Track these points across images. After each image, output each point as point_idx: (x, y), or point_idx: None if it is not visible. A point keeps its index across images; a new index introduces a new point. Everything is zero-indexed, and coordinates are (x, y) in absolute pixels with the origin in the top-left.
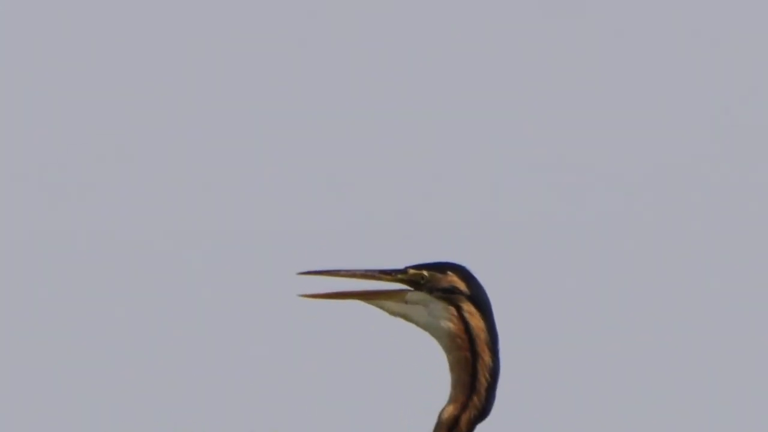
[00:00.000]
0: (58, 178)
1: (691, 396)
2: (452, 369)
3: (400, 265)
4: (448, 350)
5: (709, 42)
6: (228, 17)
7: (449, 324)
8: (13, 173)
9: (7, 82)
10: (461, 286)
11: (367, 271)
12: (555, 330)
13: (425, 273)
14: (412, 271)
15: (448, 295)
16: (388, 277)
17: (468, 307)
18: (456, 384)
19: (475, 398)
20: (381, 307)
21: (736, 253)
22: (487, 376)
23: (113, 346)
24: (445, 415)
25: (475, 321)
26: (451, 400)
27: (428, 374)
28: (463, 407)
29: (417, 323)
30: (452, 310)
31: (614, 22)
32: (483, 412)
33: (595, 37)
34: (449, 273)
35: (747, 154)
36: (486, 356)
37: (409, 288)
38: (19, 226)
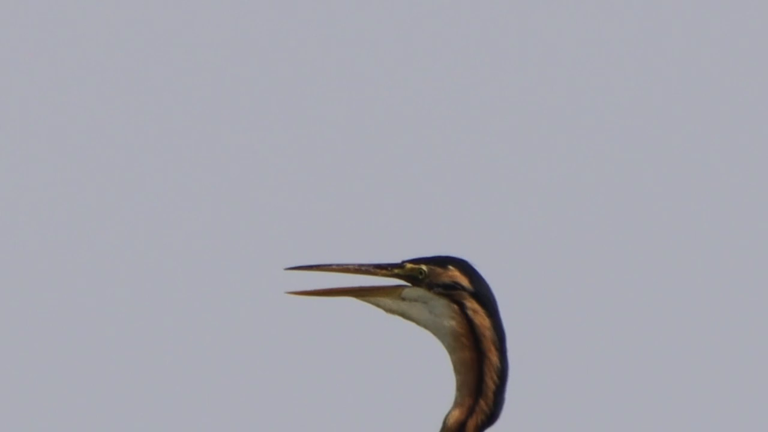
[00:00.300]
0: (47, 178)
1: (703, 396)
2: (457, 370)
3: (397, 260)
4: (452, 350)
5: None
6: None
7: (452, 323)
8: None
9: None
10: (463, 281)
11: (360, 265)
12: (566, 327)
13: (424, 267)
14: (409, 265)
15: (450, 292)
16: (384, 271)
17: (472, 305)
18: (461, 386)
19: (482, 402)
20: (376, 305)
21: (736, 252)
22: (495, 377)
23: (97, 343)
24: (451, 420)
25: (480, 319)
26: (457, 403)
27: (431, 376)
28: (470, 411)
29: (417, 322)
30: (455, 307)
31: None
32: (491, 417)
33: (596, 38)
34: (450, 267)
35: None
36: (493, 356)
37: (406, 284)
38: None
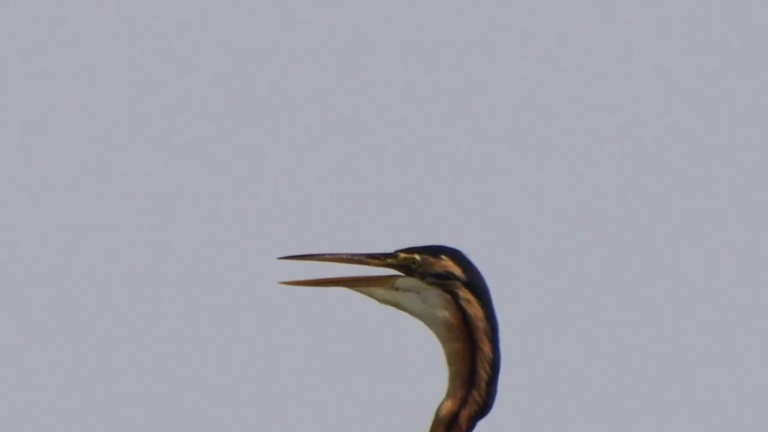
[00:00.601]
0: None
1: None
2: (449, 361)
3: (390, 249)
4: (444, 341)
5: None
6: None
7: (445, 312)
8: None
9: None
10: (457, 271)
11: (353, 255)
12: (559, 318)
13: (417, 257)
14: (402, 255)
15: (443, 281)
16: (376, 261)
17: (465, 294)
18: (454, 377)
19: (474, 393)
20: (369, 295)
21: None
22: (487, 368)
23: (92, 339)
24: (444, 411)
25: (473, 309)
26: (449, 395)
27: (423, 367)
28: (463, 402)
29: (410, 312)
30: (448, 297)
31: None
32: (484, 408)
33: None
34: (443, 257)
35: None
36: (485, 347)
37: (399, 273)
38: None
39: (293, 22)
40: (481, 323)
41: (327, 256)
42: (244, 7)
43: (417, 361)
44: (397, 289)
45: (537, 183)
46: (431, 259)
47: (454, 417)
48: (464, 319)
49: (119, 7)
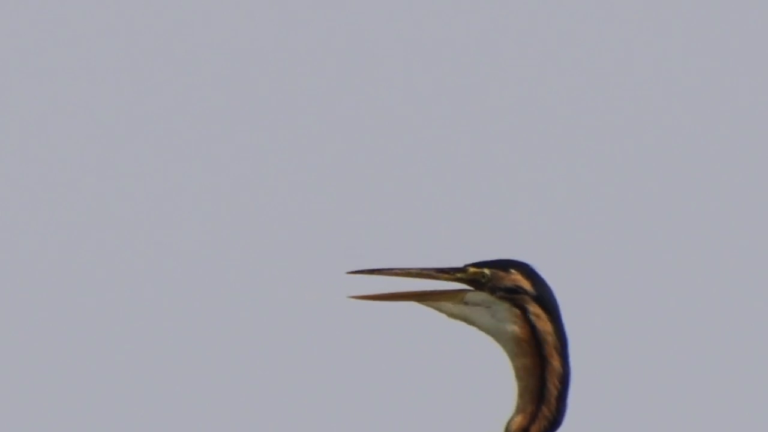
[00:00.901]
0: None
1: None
2: (518, 376)
3: (459, 263)
4: (514, 356)
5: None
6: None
7: (514, 327)
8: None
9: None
10: (526, 285)
11: (423, 269)
12: (629, 331)
13: (486, 271)
14: (472, 269)
15: (512, 296)
16: (446, 275)
17: (534, 309)
18: (523, 392)
19: (544, 408)
20: (439, 309)
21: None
22: (557, 383)
23: (151, 349)
24: (514, 426)
25: (542, 324)
26: (519, 410)
27: (492, 382)
28: (533, 418)
29: (479, 326)
30: (517, 312)
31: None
32: (554, 423)
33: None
34: (512, 271)
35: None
36: (555, 362)
37: (469, 288)
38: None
39: (293, 22)
40: (550, 338)
41: (396, 271)
42: (244, 7)
43: (486, 375)
44: (466, 303)
45: (606, 196)
46: (501, 274)
47: None
48: (533, 334)
49: (119, 7)
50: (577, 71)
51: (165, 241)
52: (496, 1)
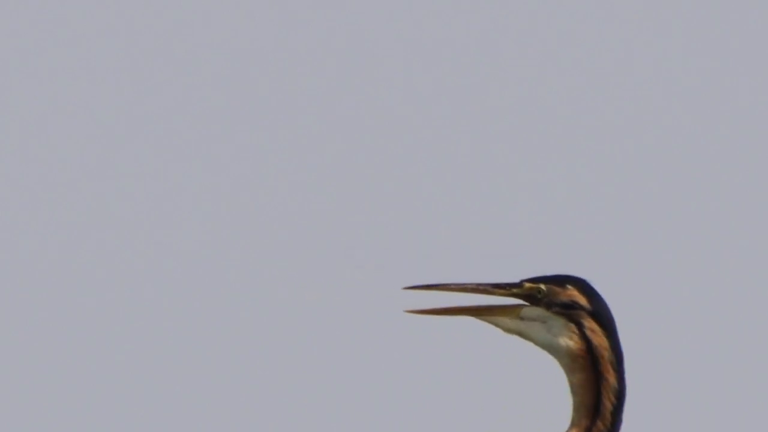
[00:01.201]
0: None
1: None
2: (574, 391)
3: (515, 279)
4: (569, 371)
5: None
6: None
7: (570, 342)
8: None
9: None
10: (582, 300)
11: (479, 284)
12: (685, 347)
13: (542, 287)
14: (528, 284)
15: (568, 311)
16: (502, 291)
17: (590, 324)
18: (578, 407)
19: (599, 423)
20: (495, 324)
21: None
22: (612, 398)
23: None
24: None
25: (598, 339)
26: (574, 424)
27: (548, 396)
28: None
29: (534, 341)
30: (573, 327)
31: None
32: None
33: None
34: (569, 287)
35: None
36: (610, 377)
37: (524, 303)
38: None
39: (293, 22)
40: (605, 353)
41: (452, 286)
42: (244, 7)
43: (542, 390)
44: (522, 318)
45: (666, 211)
46: (557, 289)
47: None
48: (589, 349)
49: (119, 7)
50: (577, 71)
51: (188, 241)
52: (496, 1)
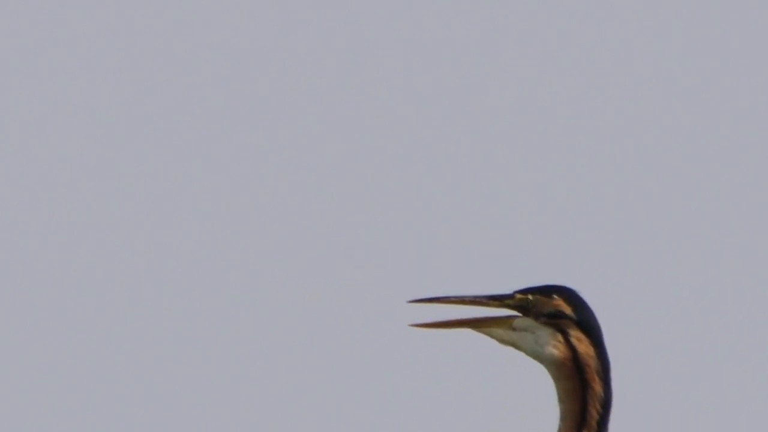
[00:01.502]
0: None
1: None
2: (561, 399)
3: (515, 287)
4: (556, 379)
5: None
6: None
7: (555, 351)
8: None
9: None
10: (567, 310)
11: (475, 297)
12: (675, 356)
13: (531, 297)
14: (518, 296)
15: (555, 321)
16: (497, 303)
17: (575, 333)
18: (565, 416)
19: (585, 431)
20: (490, 335)
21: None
22: (598, 407)
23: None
24: None
25: (583, 347)
26: None
27: (538, 405)
28: None
29: (524, 351)
30: (559, 336)
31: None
32: None
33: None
34: (554, 297)
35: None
36: (596, 385)
37: (517, 314)
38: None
39: (293, 22)
40: (591, 361)
41: (452, 299)
42: (244, 7)
43: (531, 399)
44: (514, 329)
45: (656, 221)
46: (543, 299)
47: None
48: (574, 358)
49: (119, 7)
50: (577, 71)
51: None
52: (496, 1)
